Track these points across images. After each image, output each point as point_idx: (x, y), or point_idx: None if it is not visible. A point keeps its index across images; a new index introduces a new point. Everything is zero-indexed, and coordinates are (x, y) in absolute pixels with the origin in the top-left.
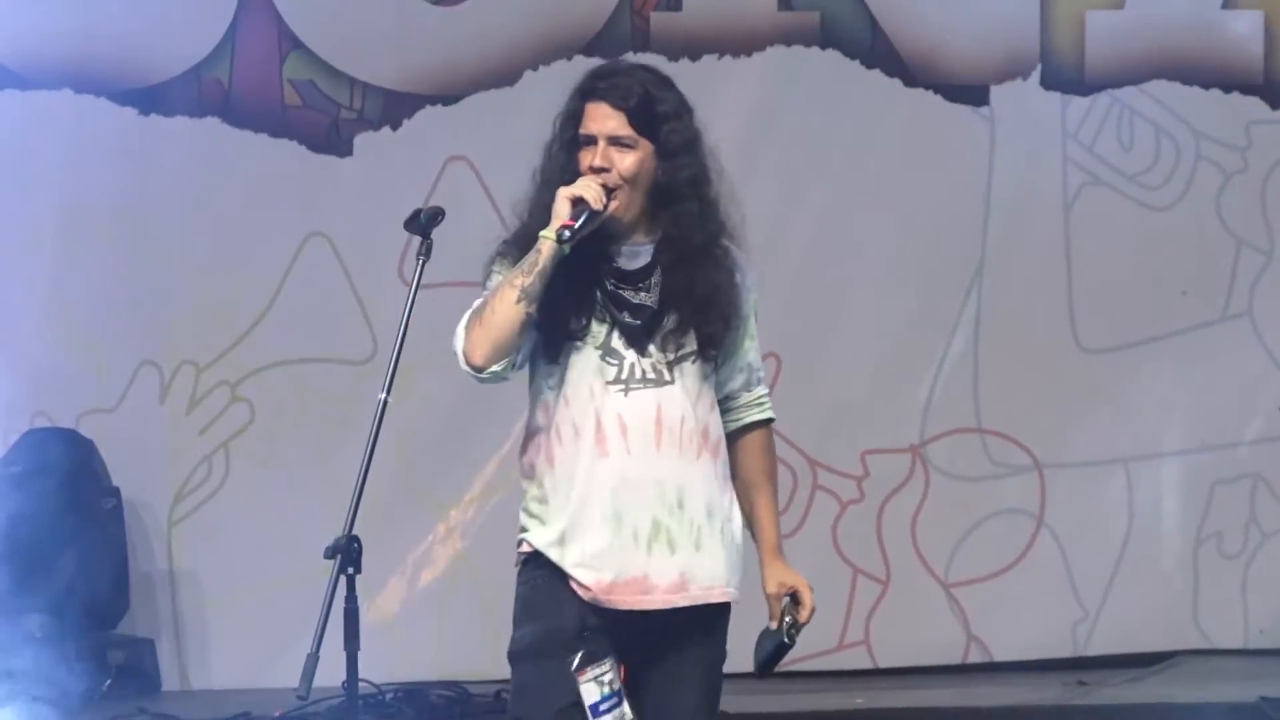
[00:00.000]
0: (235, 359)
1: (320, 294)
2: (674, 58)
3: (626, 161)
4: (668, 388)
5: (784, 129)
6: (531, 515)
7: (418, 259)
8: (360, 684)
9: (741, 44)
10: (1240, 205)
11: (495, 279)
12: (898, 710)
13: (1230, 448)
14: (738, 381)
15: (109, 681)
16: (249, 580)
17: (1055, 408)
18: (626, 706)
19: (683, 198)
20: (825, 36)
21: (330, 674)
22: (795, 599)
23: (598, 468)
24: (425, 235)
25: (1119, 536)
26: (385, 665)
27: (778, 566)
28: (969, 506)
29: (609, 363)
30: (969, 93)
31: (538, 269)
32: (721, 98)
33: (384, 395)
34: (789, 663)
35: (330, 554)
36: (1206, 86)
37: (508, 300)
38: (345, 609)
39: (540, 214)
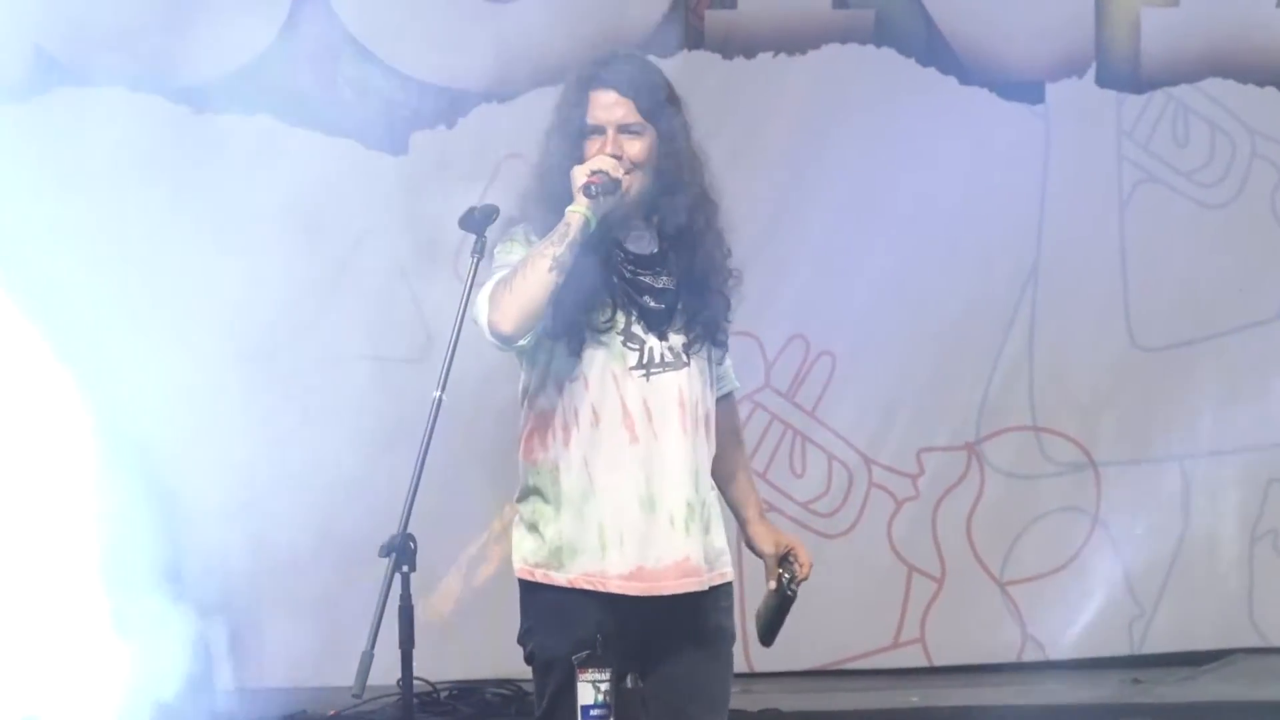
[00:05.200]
0: (289, 356)
1: (375, 292)
2: (729, 56)
3: (636, 147)
4: (685, 370)
5: (839, 127)
6: (545, 504)
7: (472, 257)
8: (415, 682)
9: (796, 42)
10: None
11: (507, 257)
12: (953, 709)
13: None
14: (717, 355)
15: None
16: (303, 578)
17: (1111, 406)
18: None
19: (682, 182)
20: (880, 34)
21: (385, 672)
22: (789, 556)
23: (625, 453)
24: (480, 233)
25: (1174, 534)
26: (440, 663)
27: (767, 526)
28: (1024, 504)
29: (630, 348)
30: (1024, 90)
31: (568, 239)
32: (776, 96)
33: (438, 393)
34: (844, 661)
35: (385, 552)
36: (1262, 84)
37: (540, 269)
38: (400, 607)
39: (543, 205)
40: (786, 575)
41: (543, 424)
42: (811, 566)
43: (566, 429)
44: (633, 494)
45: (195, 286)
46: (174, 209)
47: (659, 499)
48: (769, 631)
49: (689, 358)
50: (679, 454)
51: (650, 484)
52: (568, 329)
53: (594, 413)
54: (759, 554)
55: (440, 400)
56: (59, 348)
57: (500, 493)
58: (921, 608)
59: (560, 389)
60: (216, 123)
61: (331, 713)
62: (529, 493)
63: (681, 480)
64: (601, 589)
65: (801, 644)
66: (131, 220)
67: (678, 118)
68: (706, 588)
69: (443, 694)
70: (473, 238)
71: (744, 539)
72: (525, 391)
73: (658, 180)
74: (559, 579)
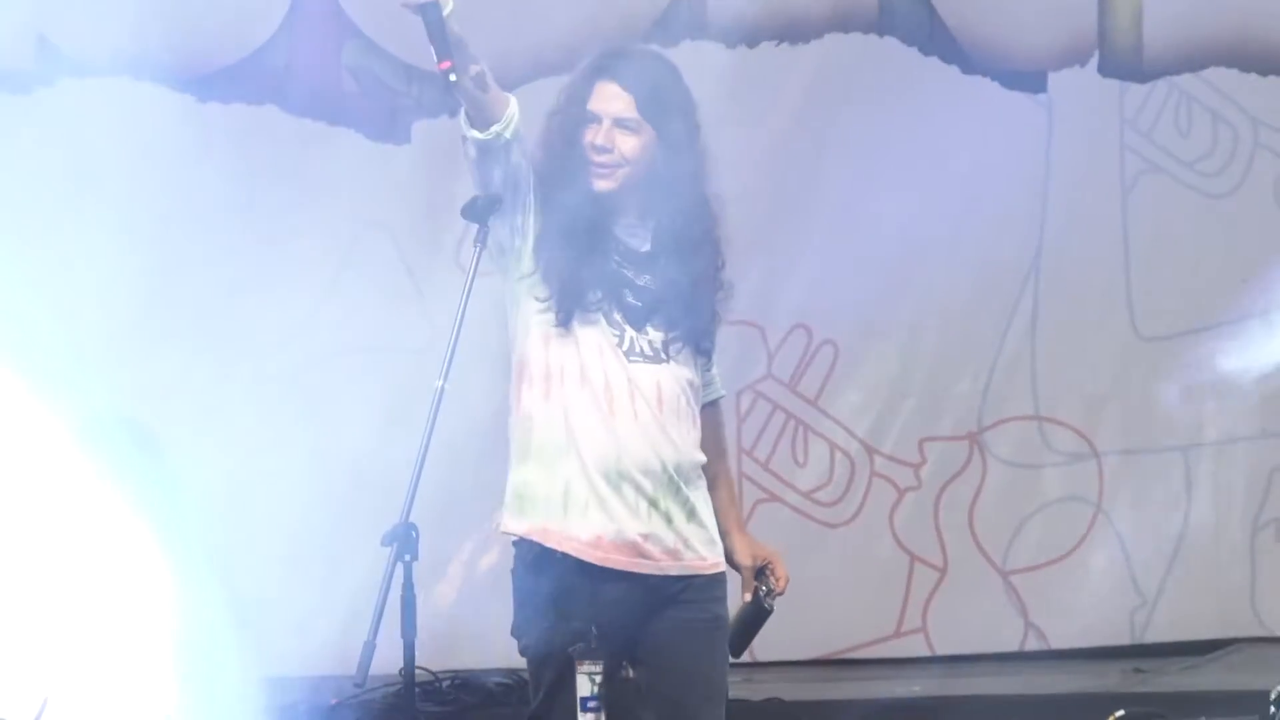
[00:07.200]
0: (291, 346)
1: (377, 282)
2: (732, 44)
3: (630, 143)
4: (664, 365)
5: (841, 116)
6: (518, 452)
7: (475, 246)
8: (417, 671)
9: (799, 31)
10: None
11: None
12: (955, 698)
13: None
14: (703, 362)
15: None
16: (306, 567)
17: (1113, 395)
18: (604, 717)
19: (681, 192)
20: (883, 23)
21: (387, 662)
22: (766, 569)
23: (603, 425)
24: (482, 223)
25: (1177, 524)
26: (442, 652)
27: (746, 538)
28: (1027, 494)
29: (613, 331)
30: (1027, 79)
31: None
32: (779, 85)
33: (441, 383)
34: (846, 650)
35: (387, 541)
36: (1264, 74)
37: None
38: (402, 596)
39: (541, 181)
40: (764, 589)
41: (524, 374)
42: (789, 580)
43: (548, 381)
44: (602, 464)
45: (199, 276)
46: (177, 199)
47: (625, 477)
48: (740, 643)
49: (668, 356)
50: (650, 440)
51: (620, 460)
52: (560, 302)
53: (581, 373)
54: (736, 566)
55: (443, 390)
56: (61, 337)
57: (502, 483)
58: (924, 597)
59: (546, 341)
60: (220, 113)
61: (334, 701)
62: (511, 441)
63: (649, 465)
64: (558, 549)
65: (804, 633)
66: (135, 210)
67: (684, 122)
68: (662, 574)
69: (445, 683)
70: (475, 227)
71: (723, 549)
72: (512, 342)
73: (654, 182)
74: (517, 527)
